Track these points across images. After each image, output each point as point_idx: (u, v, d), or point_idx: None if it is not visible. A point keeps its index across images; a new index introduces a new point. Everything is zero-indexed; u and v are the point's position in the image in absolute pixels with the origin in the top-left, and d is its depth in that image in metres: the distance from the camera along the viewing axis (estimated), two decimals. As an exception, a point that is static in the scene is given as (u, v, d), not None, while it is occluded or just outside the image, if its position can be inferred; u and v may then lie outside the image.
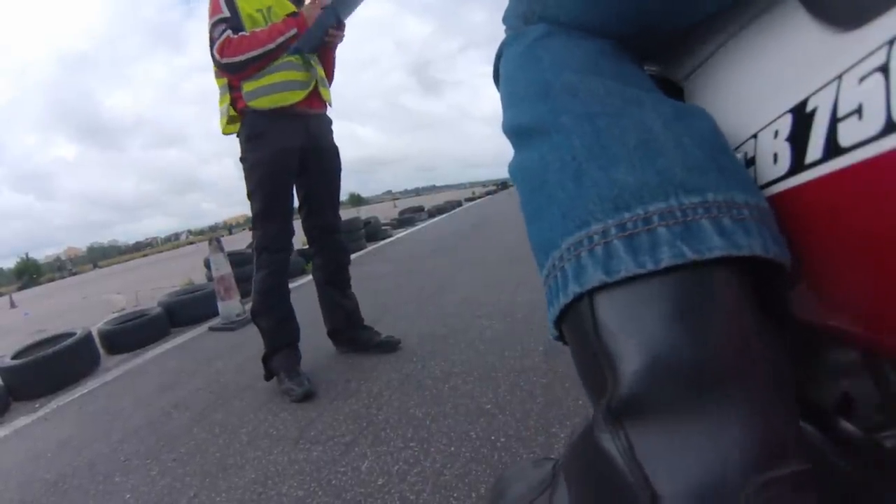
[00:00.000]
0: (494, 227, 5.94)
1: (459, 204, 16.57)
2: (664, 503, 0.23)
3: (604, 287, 0.27)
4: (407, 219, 10.81)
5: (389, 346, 1.73)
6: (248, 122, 1.49)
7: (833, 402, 0.35)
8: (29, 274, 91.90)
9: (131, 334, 2.98)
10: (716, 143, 0.30)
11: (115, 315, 3.75)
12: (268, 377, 1.58)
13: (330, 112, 1.69)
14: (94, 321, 3.98)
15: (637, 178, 0.28)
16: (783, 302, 0.30)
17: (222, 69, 1.44)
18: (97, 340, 2.87)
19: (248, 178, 1.53)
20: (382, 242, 6.86)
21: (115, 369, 2.46)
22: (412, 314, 2.27)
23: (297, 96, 1.48)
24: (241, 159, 1.55)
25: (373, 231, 7.42)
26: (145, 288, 8.28)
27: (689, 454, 0.23)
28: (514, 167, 0.38)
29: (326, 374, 1.64)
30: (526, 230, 0.36)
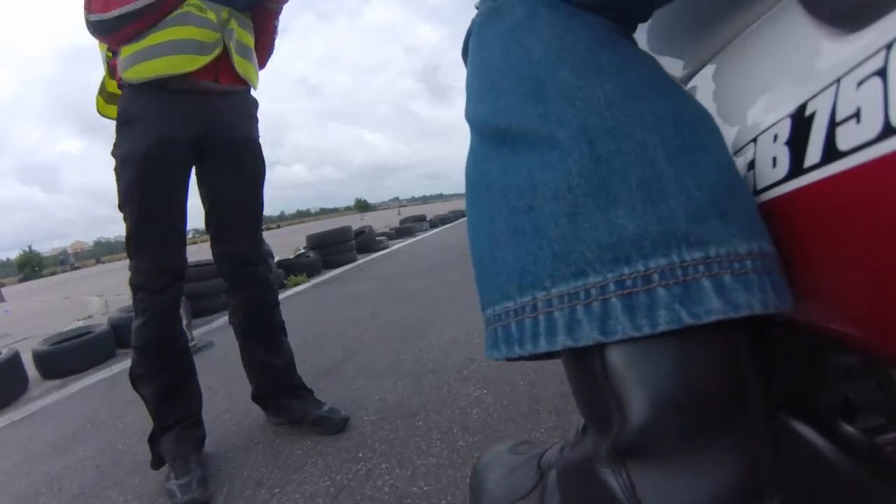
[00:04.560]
0: None
1: (464, 214, 16.15)
2: None
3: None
4: (406, 228, 10.40)
5: (331, 426, 1.21)
6: (119, 102, 1.04)
7: (835, 405, 0.35)
8: (31, 266, 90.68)
9: (69, 356, 2.63)
10: (718, 181, 0.29)
11: (81, 321, 3.39)
12: (155, 465, 1.11)
13: (256, 95, 1.22)
14: (60, 326, 3.72)
15: (638, 226, 0.27)
16: (777, 332, 0.33)
17: (91, 31, 1.00)
18: (35, 362, 2.58)
19: (117, 180, 1.05)
20: (375, 255, 6.47)
21: (33, 403, 2.09)
22: (379, 365, 1.72)
23: (191, 63, 1.00)
24: (112, 153, 1.07)
25: (366, 242, 7.02)
26: (127, 291, 8.05)
27: (685, 494, 0.26)
28: (485, 174, 0.35)
29: (237, 464, 1.14)
30: (472, 240, 0.36)
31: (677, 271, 0.26)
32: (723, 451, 0.26)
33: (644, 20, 0.39)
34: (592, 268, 0.28)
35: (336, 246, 5.92)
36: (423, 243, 7.26)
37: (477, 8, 0.42)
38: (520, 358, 0.32)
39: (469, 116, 0.38)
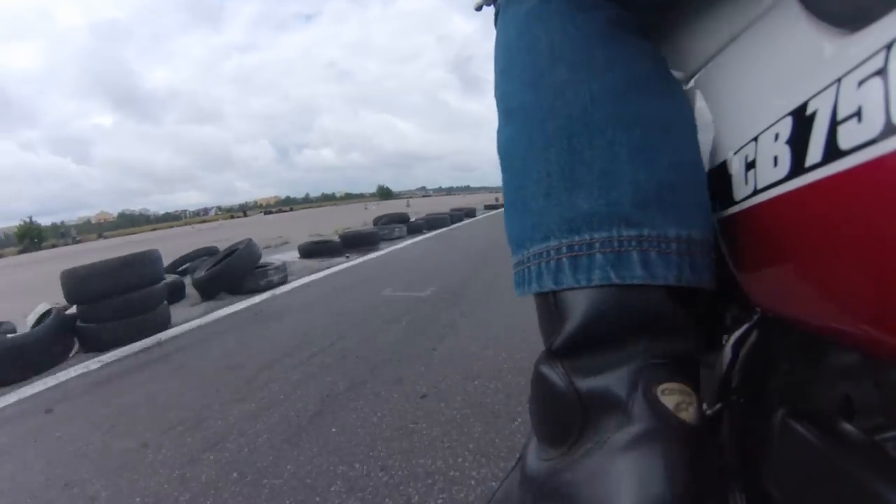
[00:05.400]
0: (505, 270, 3.12)
1: (472, 214, 12.59)
2: (583, 393, 0.34)
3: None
4: (368, 235, 6.89)
5: None
6: None
7: (834, 404, 0.35)
8: (30, 238, 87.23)
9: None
10: (666, 178, 0.34)
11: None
12: None
13: None
14: (23, 312, 3.11)
15: (591, 207, 0.34)
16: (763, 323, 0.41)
17: None
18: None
19: None
20: (232, 308, 3.36)
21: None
22: None
23: None
24: None
25: (233, 272, 3.61)
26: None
27: (598, 367, 0.34)
28: (502, 147, 0.43)
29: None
30: (504, 210, 0.43)
31: (614, 243, 0.34)
32: (631, 345, 0.34)
33: (652, 8, 0.42)
34: (553, 235, 0.36)
35: (116, 297, 2.74)
36: (369, 271, 4.60)
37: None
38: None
39: (494, 91, 0.45)
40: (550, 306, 0.37)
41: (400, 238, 7.64)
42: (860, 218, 0.23)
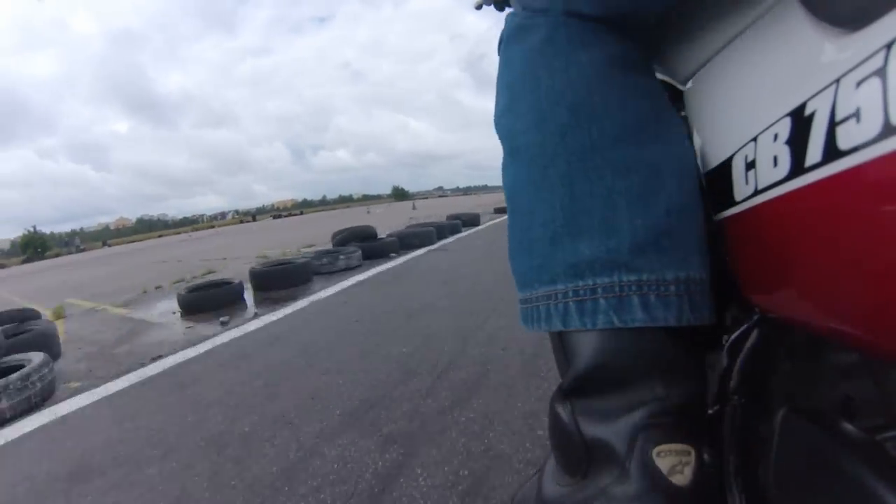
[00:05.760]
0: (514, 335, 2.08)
1: (474, 222, 9.05)
2: (588, 439, 0.36)
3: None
4: (291, 272, 4.41)
5: None
6: None
7: (834, 404, 0.36)
8: (34, 248, 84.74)
9: None
10: (664, 224, 0.36)
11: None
12: None
13: None
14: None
15: (593, 253, 0.36)
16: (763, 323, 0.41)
17: None
18: None
19: None
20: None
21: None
22: None
23: None
24: None
25: None
26: (77, 297, 6.27)
27: (602, 414, 0.36)
28: (508, 185, 0.44)
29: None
30: (509, 246, 0.45)
31: (616, 288, 0.36)
32: (633, 398, 0.35)
33: (647, 27, 0.43)
34: (560, 279, 0.38)
35: None
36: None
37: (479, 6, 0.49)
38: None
39: (496, 124, 0.47)
40: (558, 344, 0.40)
41: (348, 271, 4.91)
42: (860, 218, 0.23)
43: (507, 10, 0.51)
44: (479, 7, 0.68)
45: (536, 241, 0.40)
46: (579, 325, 0.37)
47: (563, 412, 0.39)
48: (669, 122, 0.40)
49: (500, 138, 0.46)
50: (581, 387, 0.38)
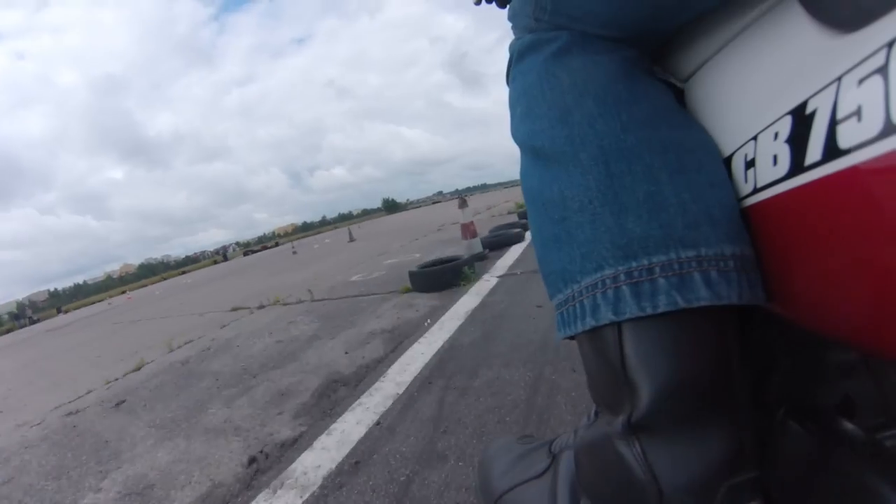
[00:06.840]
0: None
1: (507, 241, 4.04)
2: (666, 495, 0.32)
3: (625, 321, 0.33)
4: None
5: None
6: None
7: (834, 403, 0.35)
8: None
9: None
10: (711, 196, 0.33)
11: None
12: None
13: None
14: None
15: (643, 230, 0.33)
16: (763, 322, 0.39)
17: None
18: None
19: None
20: None
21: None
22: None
23: None
24: None
25: None
26: None
27: (685, 461, 0.32)
28: (531, 189, 0.42)
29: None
30: (537, 251, 0.42)
31: (675, 265, 0.32)
32: (715, 427, 0.32)
33: (660, 45, 0.44)
34: (608, 262, 0.34)
35: None
36: None
37: (510, 21, 0.49)
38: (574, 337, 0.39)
39: (514, 135, 0.45)
40: (607, 344, 0.35)
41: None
42: (860, 216, 0.23)
43: (507, 8, 0.51)
44: (478, 3, 0.65)
45: (575, 228, 0.36)
46: (636, 310, 0.32)
47: (630, 451, 0.33)
48: (686, 114, 0.40)
49: (519, 144, 0.44)
50: (654, 415, 0.32)
